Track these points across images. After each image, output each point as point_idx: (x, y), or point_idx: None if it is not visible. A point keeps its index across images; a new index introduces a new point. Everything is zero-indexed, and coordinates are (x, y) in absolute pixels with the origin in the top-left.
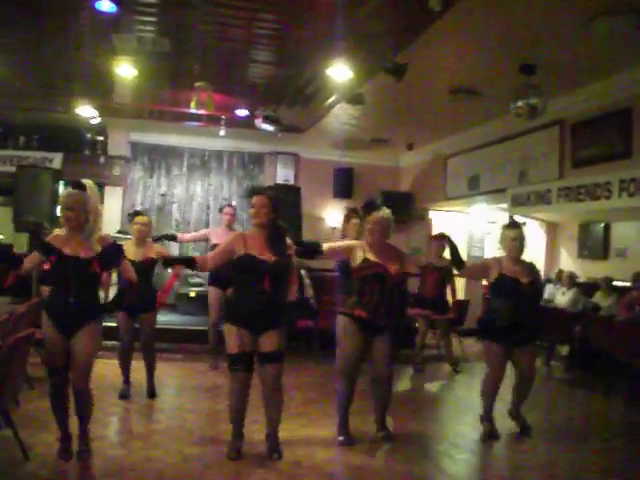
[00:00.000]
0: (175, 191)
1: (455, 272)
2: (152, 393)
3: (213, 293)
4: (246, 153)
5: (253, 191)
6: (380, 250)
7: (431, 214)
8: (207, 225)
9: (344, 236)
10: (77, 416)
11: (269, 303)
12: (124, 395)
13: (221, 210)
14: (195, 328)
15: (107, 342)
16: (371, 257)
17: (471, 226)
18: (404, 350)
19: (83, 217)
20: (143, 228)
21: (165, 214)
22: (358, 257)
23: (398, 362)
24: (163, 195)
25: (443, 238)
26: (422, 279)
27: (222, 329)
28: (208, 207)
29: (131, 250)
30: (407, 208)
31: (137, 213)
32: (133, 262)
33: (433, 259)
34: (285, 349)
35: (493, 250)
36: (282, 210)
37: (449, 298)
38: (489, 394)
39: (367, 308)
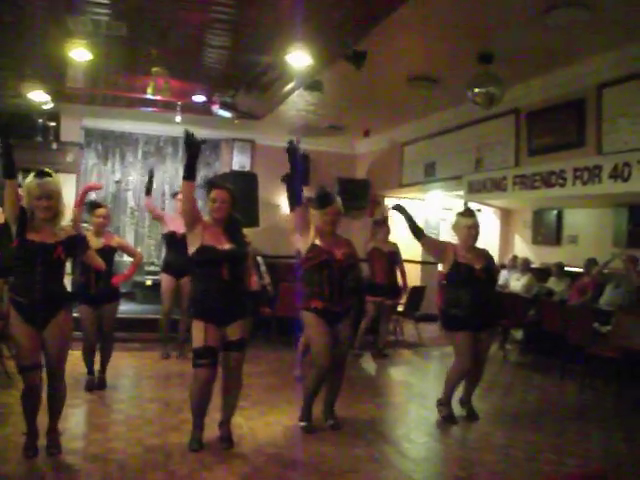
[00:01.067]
0: (130, 178)
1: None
2: (103, 384)
3: (166, 281)
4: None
5: (214, 184)
6: (327, 239)
7: (387, 201)
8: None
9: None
10: (49, 411)
11: (230, 293)
12: (91, 387)
13: (174, 196)
14: (152, 317)
15: None
16: (319, 244)
17: (427, 213)
18: (365, 337)
19: (60, 206)
20: (103, 221)
21: (120, 201)
22: (305, 248)
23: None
24: (118, 182)
25: (384, 222)
26: (371, 265)
27: (175, 318)
28: (163, 194)
29: (90, 240)
30: (363, 195)
31: (96, 205)
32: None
33: (379, 244)
34: (250, 338)
35: (448, 236)
36: (239, 197)
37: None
38: (455, 382)
39: (321, 297)
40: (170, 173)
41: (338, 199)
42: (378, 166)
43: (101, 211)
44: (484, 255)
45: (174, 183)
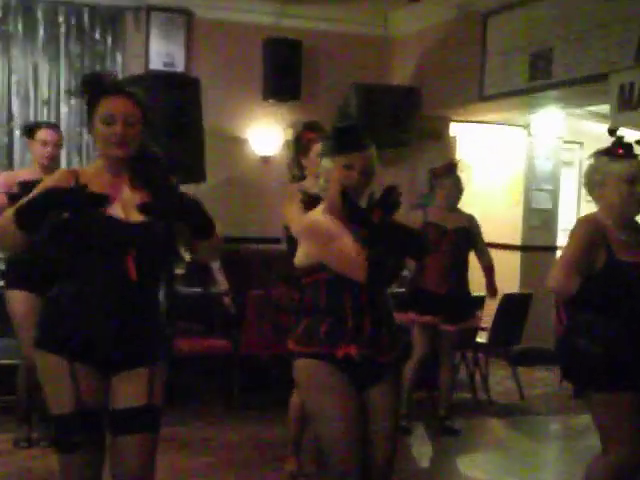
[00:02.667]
0: None
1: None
2: None
3: (20, 301)
4: (87, 6)
5: (104, 85)
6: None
7: (454, 128)
8: (10, 155)
9: (299, 178)
10: None
11: (135, 305)
12: None
13: (30, 133)
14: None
15: None
16: None
17: (533, 151)
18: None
19: None
20: None
21: None
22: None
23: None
24: None
25: (450, 173)
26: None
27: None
28: (11, 118)
29: None
30: (407, 118)
31: None
32: None
33: (437, 215)
34: (163, 403)
35: (574, 198)
36: (165, 126)
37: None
38: None
39: (359, 337)
40: (20, 72)
41: (370, 142)
42: (436, 61)
43: None
44: None
45: (31, 94)
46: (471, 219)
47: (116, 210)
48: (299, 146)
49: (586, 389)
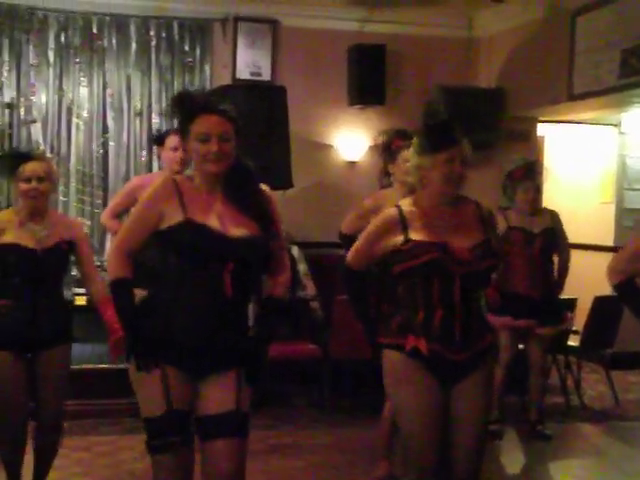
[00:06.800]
0: (35, 98)
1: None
2: None
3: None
4: (176, 19)
5: (199, 105)
6: (440, 213)
7: (542, 128)
8: (105, 166)
9: (384, 185)
10: None
11: (228, 318)
12: None
13: (159, 141)
14: (103, 366)
15: None
16: (418, 234)
17: (624, 150)
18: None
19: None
20: (42, 188)
21: (18, 143)
22: (394, 240)
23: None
24: (9, 106)
25: (530, 175)
26: (504, 260)
27: None
28: (106, 130)
29: (12, 230)
30: (494, 119)
31: (22, 155)
32: (29, 252)
33: (520, 218)
34: (252, 410)
35: None
36: (252, 132)
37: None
38: None
39: (428, 332)
40: (114, 85)
41: (463, 136)
42: (522, 61)
43: (35, 166)
44: None
45: (123, 105)
46: (553, 216)
47: (213, 222)
48: (387, 153)
49: None
